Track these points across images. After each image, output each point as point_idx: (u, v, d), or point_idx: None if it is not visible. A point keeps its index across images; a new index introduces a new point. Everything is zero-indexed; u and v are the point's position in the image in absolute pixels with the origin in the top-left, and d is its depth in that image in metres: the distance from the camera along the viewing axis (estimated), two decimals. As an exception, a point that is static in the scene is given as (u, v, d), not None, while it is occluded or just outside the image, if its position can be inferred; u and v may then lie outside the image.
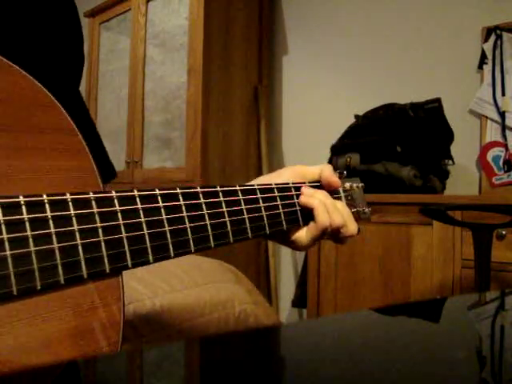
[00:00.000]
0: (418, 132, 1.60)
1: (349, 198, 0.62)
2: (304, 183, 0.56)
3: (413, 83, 1.92)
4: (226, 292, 0.93)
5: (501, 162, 1.68)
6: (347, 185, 0.62)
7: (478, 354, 0.32)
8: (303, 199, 0.53)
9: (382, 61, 2.03)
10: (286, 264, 2.32)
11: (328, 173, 0.57)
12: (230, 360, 0.30)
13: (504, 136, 1.68)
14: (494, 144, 1.71)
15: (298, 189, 0.54)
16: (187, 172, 2.02)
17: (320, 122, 2.19)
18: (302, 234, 0.54)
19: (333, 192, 0.58)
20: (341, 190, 0.61)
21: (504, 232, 1.31)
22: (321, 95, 2.21)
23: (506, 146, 1.68)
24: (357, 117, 1.81)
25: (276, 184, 0.52)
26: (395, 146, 1.58)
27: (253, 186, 0.50)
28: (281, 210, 0.51)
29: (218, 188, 0.45)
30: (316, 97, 2.23)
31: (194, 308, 0.85)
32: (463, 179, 1.77)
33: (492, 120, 1.72)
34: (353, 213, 0.57)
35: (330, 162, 1.73)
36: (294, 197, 0.53)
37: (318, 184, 0.57)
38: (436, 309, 0.46)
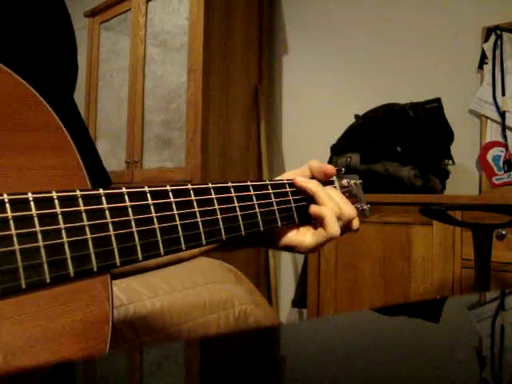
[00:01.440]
0: (418, 132, 1.60)
1: (347, 194, 0.60)
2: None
3: (413, 83, 1.92)
4: (226, 292, 0.94)
5: (501, 162, 1.68)
6: (345, 181, 0.61)
7: (478, 354, 0.32)
8: (314, 209, 0.52)
9: (382, 61, 2.03)
10: (286, 264, 2.32)
11: (317, 163, 0.56)
12: (230, 360, 0.30)
13: (504, 136, 1.68)
14: (494, 144, 1.71)
15: (292, 186, 0.53)
16: (187, 172, 2.02)
17: (320, 122, 2.19)
18: (307, 239, 0.52)
19: (328, 184, 0.57)
20: (336, 184, 0.60)
21: (504, 232, 1.31)
22: (321, 95, 2.21)
23: (506, 146, 1.68)
24: (357, 117, 1.81)
25: (269, 180, 0.52)
26: (395, 146, 1.58)
27: (246, 181, 0.49)
28: (275, 207, 0.50)
29: (210, 185, 0.45)
30: (316, 97, 2.22)
31: (193, 308, 0.85)
32: (463, 179, 1.77)
33: (492, 120, 1.72)
34: None
35: (330, 161, 1.73)
36: (289, 194, 0.52)
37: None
38: (436, 309, 0.46)
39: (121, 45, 2.46)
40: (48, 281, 0.32)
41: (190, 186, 0.43)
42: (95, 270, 0.35)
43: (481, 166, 1.73)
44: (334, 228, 0.50)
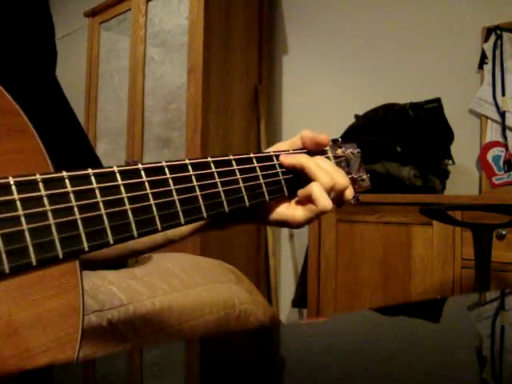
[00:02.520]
0: (418, 132, 1.60)
1: (343, 164, 0.57)
2: (288, 151, 0.52)
3: (413, 83, 1.92)
4: (226, 292, 0.93)
5: (501, 162, 1.68)
6: (340, 150, 0.58)
7: (478, 354, 0.32)
8: (301, 191, 0.50)
9: (382, 61, 2.02)
10: (285, 264, 2.32)
11: (310, 133, 0.54)
12: (230, 360, 0.30)
13: (504, 136, 1.68)
14: (494, 144, 1.71)
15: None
16: (187, 172, 2.02)
17: (320, 122, 2.19)
18: (298, 213, 0.50)
19: (321, 154, 0.54)
20: (330, 154, 0.57)
21: (504, 232, 1.31)
22: (321, 95, 2.21)
23: (506, 146, 1.67)
24: (357, 117, 1.81)
25: (254, 153, 0.49)
26: (395, 146, 1.58)
27: (228, 155, 0.46)
28: (261, 181, 0.48)
29: (187, 161, 0.42)
30: (316, 97, 2.22)
31: (194, 308, 0.85)
32: (463, 179, 1.77)
33: (492, 120, 1.72)
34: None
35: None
36: (277, 166, 0.50)
37: (305, 151, 0.53)
38: (436, 309, 0.46)
39: (121, 45, 2.46)
40: (7, 271, 0.30)
41: (164, 164, 0.40)
42: (61, 256, 0.33)
43: (481, 166, 1.73)
44: (324, 202, 0.48)
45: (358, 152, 0.61)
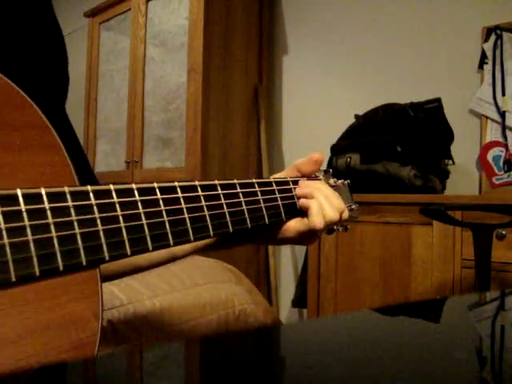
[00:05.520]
0: (418, 132, 1.60)
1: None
2: (301, 177, 0.57)
3: (413, 83, 1.92)
4: (226, 292, 0.93)
5: (501, 162, 1.68)
6: (332, 181, 0.62)
7: (478, 354, 0.32)
8: (302, 202, 0.54)
9: (382, 61, 2.03)
10: (285, 264, 2.32)
11: (302, 159, 0.58)
12: (230, 360, 0.30)
13: (504, 136, 1.68)
14: (494, 144, 1.71)
15: (279, 184, 0.55)
16: (187, 172, 2.02)
17: (320, 122, 2.19)
18: (291, 224, 0.54)
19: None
20: (322, 176, 0.61)
21: (504, 232, 1.31)
22: (321, 95, 2.21)
23: (506, 146, 1.68)
24: (357, 117, 1.81)
25: (274, 178, 0.54)
26: (395, 146, 1.58)
27: (233, 180, 0.51)
28: (262, 205, 0.52)
29: (197, 183, 0.46)
30: (316, 97, 2.22)
31: (194, 308, 0.85)
32: (463, 179, 1.77)
33: (492, 120, 1.72)
34: None
35: (329, 162, 1.73)
36: (276, 191, 0.54)
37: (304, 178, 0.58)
38: (436, 309, 0.46)
39: (121, 45, 2.46)
40: (37, 274, 0.33)
41: (176, 184, 0.44)
42: (84, 263, 0.35)
43: (481, 166, 1.73)
44: (317, 219, 0.51)
45: (348, 183, 0.66)
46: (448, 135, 1.65)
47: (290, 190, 0.56)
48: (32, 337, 0.33)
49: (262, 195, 0.53)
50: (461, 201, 1.39)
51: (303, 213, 0.54)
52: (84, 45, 2.69)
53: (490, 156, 1.71)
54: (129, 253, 0.38)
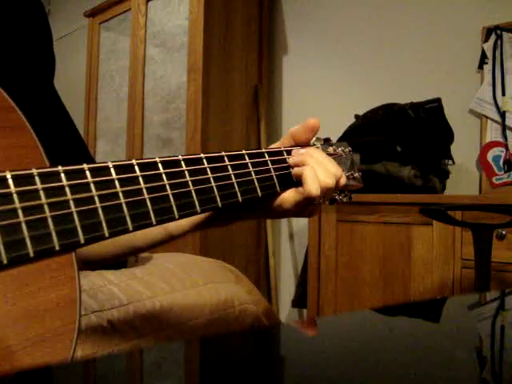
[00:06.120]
0: (418, 132, 1.60)
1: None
2: (296, 146, 0.54)
3: (413, 83, 1.92)
4: (226, 292, 0.93)
5: (501, 162, 1.68)
6: (331, 148, 0.58)
7: (478, 354, 0.32)
8: (295, 170, 0.52)
9: (382, 61, 2.02)
10: (285, 264, 2.32)
11: (297, 126, 0.56)
12: (230, 360, 0.30)
13: (504, 136, 1.68)
14: (494, 144, 1.71)
15: (271, 155, 0.53)
16: (187, 172, 2.02)
17: (320, 122, 2.18)
18: (287, 195, 0.51)
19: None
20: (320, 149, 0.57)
21: (504, 232, 1.31)
22: (321, 95, 2.21)
23: (506, 146, 1.67)
24: (357, 117, 1.81)
25: (266, 148, 0.52)
26: (395, 146, 1.58)
27: (241, 151, 0.49)
28: (253, 177, 0.49)
29: (180, 157, 0.44)
30: (316, 97, 2.22)
31: (194, 308, 0.85)
32: (463, 179, 1.77)
33: (492, 120, 1.72)
34: None
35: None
36: (268, 162, 0.52)
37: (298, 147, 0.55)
38: (436, 309, 0.46)
39: (121, 45, 2.46)
40: (5, 262, 0.31)
41: (157, 159, 0.41)
42: (57, 248, 0.33)
43: (481, 166, 1.73)
44: (312, 185, 0.49)
45: (350, 151, 0.61)
46: (448, 135, 1.65)
47: (284, 161, 0.53)
48: (7, 327, 0.31)
49: (253, 167, 0.50)
50: (461, 201, 1.39)
51: (300, 183, 0.51)
52: (84, 45, 2.69)
53: (489, 156, 1.71)
54: (106, 234, 0.36)
